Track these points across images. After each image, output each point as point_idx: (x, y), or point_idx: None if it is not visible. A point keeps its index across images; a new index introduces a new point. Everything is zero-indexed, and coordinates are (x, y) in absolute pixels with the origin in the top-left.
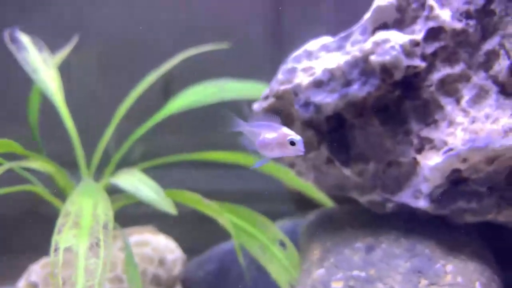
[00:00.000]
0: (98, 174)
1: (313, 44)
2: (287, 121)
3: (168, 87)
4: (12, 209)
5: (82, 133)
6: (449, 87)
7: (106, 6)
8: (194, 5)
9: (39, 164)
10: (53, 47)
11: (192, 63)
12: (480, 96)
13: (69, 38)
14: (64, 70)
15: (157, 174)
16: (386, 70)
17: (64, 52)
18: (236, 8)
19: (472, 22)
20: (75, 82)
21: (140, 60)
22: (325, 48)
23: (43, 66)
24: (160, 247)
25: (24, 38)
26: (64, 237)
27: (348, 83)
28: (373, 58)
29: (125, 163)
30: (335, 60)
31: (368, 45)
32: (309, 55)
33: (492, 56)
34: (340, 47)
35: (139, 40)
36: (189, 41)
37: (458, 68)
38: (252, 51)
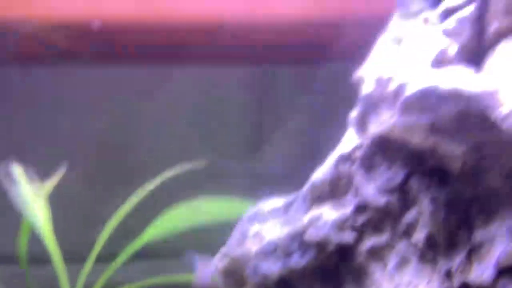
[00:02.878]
0: None
1: (266, 205)
2: (240, 283)
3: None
4: None
5: (67, 257)
6: (376, 255)
7: (94, 126)
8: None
9: None
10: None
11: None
12: (402, 263)
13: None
14: (53, 196)
15: None
16: (319, 244)
17: (54, 180)
18: (216, 115)
19: (393, 198)
20: (63, 207)
21: (126, 178)
22: (275, 212)
23: (33, 198)
24: None
25: (17, 171)
26: None
27: (289, 254)
28: (307, 235)
29: None
30: (279, 230)
31: (305, 220)
32: (262, 216)
33: (411, 227)
34: (285, 212)
35: (122, 160)
36: (175, 151)
37: (383, 238)
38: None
